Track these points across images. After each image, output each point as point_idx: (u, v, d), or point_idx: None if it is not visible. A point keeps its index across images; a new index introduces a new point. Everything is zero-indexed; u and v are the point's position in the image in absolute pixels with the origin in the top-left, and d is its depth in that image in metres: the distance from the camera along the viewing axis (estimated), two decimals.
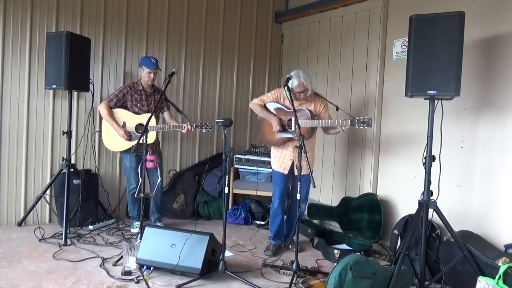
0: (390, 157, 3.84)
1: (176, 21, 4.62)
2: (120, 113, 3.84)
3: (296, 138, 3.35)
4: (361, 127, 3.19)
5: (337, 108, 3.65)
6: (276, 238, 3.63)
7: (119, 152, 4.08)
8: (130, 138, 3.79)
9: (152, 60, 3.80)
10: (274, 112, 3.49)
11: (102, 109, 3.80)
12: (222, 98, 4.98)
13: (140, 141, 3.28)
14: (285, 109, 3.46)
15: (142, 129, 3.36)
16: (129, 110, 3.86)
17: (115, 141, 3.86)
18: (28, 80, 3.93)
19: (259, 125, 3.63)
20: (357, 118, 3.18)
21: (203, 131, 3.66)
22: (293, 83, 3.31)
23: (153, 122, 3.74)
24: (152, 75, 3.81)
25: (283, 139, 3.46)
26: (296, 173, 3.47)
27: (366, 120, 3.14)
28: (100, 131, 4.03)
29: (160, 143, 4.18)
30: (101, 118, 4.00)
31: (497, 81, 3.01)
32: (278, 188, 3.55)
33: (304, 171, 3.23)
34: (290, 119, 3.42)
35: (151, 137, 3.69)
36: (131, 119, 3.83)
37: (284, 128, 3.45)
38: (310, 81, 3.42)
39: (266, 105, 3.53)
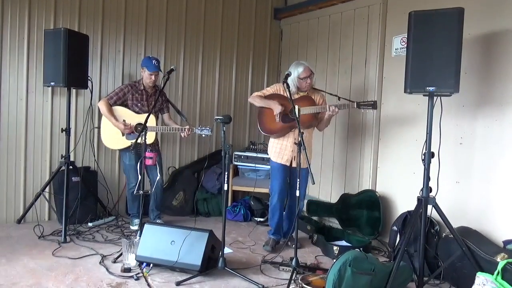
0: (389, 153, 3.85)
1: (174, 18, 4.61)
2: (120, 111, 3.83)
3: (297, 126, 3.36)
4: (368, 109, 3.29)
5: (339, 98, 3.66)
6: (276, 233, 3.63)
7: (118, 150, 4.08)
8: (131, 131, 3.78)
9: (153, 62, 3.76)
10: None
11: (101, 105, 3.79)
12: (221, 95, 4.98)
13: (139, 140, 3.28)
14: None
15: (142, 128, 3.36)
16: (129, 109, 3.86)
17: (114, 139, 3.86)
18: (26, 77, 3.92)
19: (259, 116, 3.60)
20: (362, 101, 3.29)
21: (203, 135, 3.70)
22: (298, 71, 3.38)
23: (153, 122, 3.75)
24: (153, 77, 3.81)
25: (284, 128, 3.46)
26: (294, 165, 3.48)
27: (371, 102, 3.24)
28: (98, 127, 4.03)
29: (159, 142, 4.18)
30: (99, 115, 3.99)
31: (496, 78, 3.01)
32: (277, 183, 3.54)
33: (302, 165, 3.23)
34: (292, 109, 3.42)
35: (150, 138, 3.70)
36: (131, 118, 3.82)
37: (286, 117, 3.45)
38: None
39: (266, 96, 3.55)
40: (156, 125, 3.83)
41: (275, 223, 3.61)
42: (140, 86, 3.88)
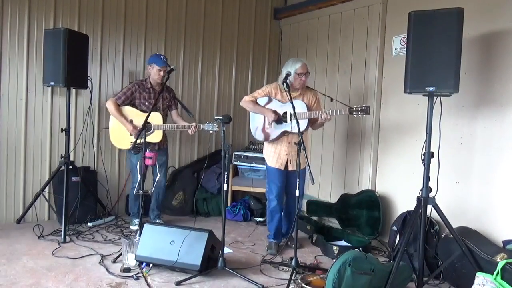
0: (388, 153, 3.85)
1: (174, 18, 4.61)
2: (128, 110, 3.82)
3: (292, 131, 3.34)
4: (360, 115, 3.21)
5: (332, 99, 3.64)
6: (276, 237, 3.59)
7: (126, 149, 4.05)
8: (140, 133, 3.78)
9: (162, 57, 3.80)
10: (267, 107, 3.47)
11: (109, 105, 3.78)
12: (221, 95, 4.98)
13: (138, 140, 3.27)
14: (279, 102, 3.45)
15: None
16: (137, 108, 3.85)
17: (122, 139, 3.84)
18: (26, 77, 3.92)
19: (251, 122, 3.59)
20: (355, 106, 3.21)
21: (210, 131, 3.69)
22: (296, 66, 3.32)
23: (160, 120, 3.74)
24: (162, 72, 3.79)
25: (278, 133, 3.44)
26: (290, 168, 3.47)
27: (364, 108, 3.16)
28: (107, 128, 4.00)
29: (167, 141, 4.16)
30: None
31: (495, 78, 3.01)
32: (275, 187, 3.51)
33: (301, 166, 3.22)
34: (285, 112, 3.41)
35: (157, 136, 3.69)
36: (138, 117, 3.80)
37: (279, 121, 3.42)
38: None
39: (258, 100, 3.52)
40: (165, 123, 3.83)
41: (275, 227, 3.58)
42: (147, 85, 3.87)
